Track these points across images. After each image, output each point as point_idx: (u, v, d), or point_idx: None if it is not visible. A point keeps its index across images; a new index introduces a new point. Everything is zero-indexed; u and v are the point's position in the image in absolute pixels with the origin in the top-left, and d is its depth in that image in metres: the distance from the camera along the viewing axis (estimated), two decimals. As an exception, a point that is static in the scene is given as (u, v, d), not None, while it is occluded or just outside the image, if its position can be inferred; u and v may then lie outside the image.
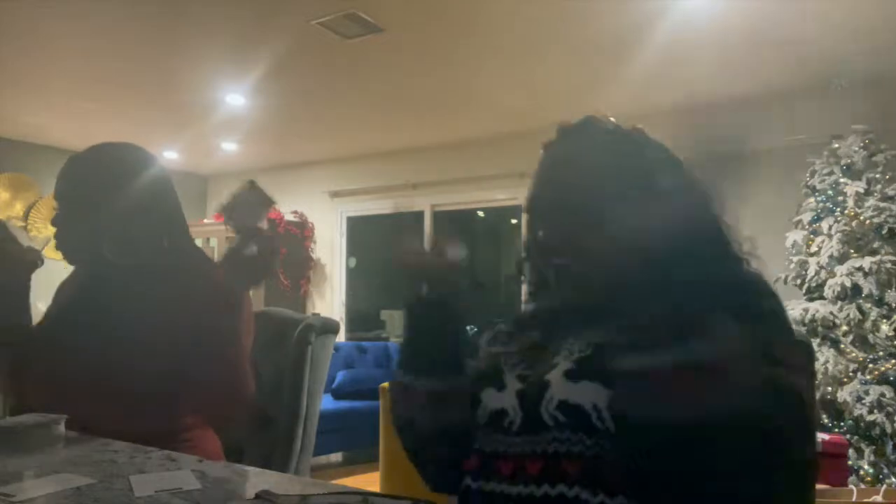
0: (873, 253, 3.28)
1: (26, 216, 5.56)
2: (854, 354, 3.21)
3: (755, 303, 0.77)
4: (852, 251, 3.34)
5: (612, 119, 0.95)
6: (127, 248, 1.28)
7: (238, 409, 1.26)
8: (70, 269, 1.41)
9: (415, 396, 0.91)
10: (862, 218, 3.31)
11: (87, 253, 1.29)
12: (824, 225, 3.42)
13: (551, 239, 0.90)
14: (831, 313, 3.27)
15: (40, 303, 1.43)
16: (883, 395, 3.08)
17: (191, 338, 1.20)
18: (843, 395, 3.15)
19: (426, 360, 0.92)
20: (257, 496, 0.66)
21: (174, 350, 1.20)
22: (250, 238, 1.14)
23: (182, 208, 1.39)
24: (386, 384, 2.59)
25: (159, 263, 1.30)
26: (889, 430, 3.06)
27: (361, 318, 6.35)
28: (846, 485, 2.65)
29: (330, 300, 6.11)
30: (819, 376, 3.19)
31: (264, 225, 1.16)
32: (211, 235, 5.96)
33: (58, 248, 1.30)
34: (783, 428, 0.67)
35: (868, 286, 3.21)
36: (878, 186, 3.35)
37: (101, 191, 1.27)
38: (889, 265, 3.21)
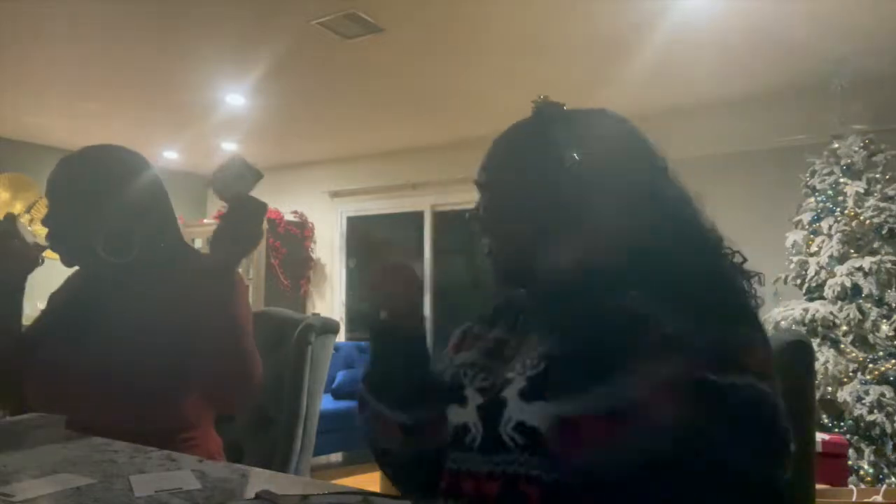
0: (873, 253, 3.28)
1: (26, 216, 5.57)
2: (854, 354, 3.20)
3: (724, 302, 0.72)
4: (852, 251, 3.35)
5: (563, 104, 0.91)
6: (124, 246, 1.28)
7: (247, 394, 1.22)
8: (63, 268, 1.42)
9: (388, 429, 0.88)
10: (862, 218, 3.31)
11: (84, 253, 1.29)
12: (824, 225, 3.42)
13: (499, 218, 0.88)
14: (831, 313, 3.27)
15: (40, 303, 1.43)
16: (883, 395, 3.08)
17: (194, 330, 1.19)
18: (843, 395, 3.15)
19: (395, 393, 0.87)
20: (257, 496, 0.66)
21: (178, 346, 1.20)
22: (239, 204, 1.12)
23: (173, 209, 1.40)
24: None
25: (157, 260, 1.31)
26: (889, 430, 3.06)
27: (361, 318, 6.35)
28: (846, 485, 2.65)
29: (330, 300, 6.11)
30: (819, 376, 3.19)
31: (249, 192, 1.13)
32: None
33: (53, 249, 1.30)
34: (748, 448, 0.63)
35: (868, 286, 3.21)
36: (878, 186, 3.35)
37: (98, 190, 1.27)
38: (889, 265, 3.21)
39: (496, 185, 0.90)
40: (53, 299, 1.40)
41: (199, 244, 6.02)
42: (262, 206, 1.13)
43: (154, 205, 1.34)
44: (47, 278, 1.53)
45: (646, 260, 0.74)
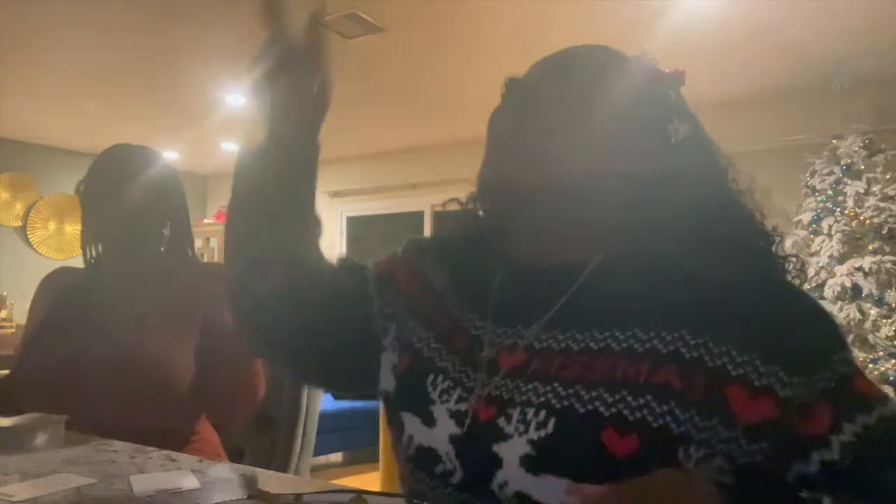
0: (873, 253, 3.28)
1: (26, 216, 5.56)
2: (854, 355, 3.21)
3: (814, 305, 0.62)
4: (852, 251, 3.35)
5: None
6: (149, 246, 1.34)
7: (247, 412, 1.32)
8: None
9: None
10: (862, 218, 3.31)
11: (122, 251, 1.33)
12: (824, 225, 3.42)
13: (521, 165, 0.68)
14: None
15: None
16: (883, 395, 3.08)
17: (208, 337, 1.25)
18: (843, 395, 3.15)
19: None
20: (251, 496, 0.66)
21: (195, 349, 1.25)
22: None
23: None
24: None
25: (177, 263, 1.36)
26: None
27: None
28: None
29: (330, 300, 6.11)
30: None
31: None
32: (211, 235, 5.97)
33: (93, 241, 1.36)
34: None
35: (868, 286, 3.21)
36: (878, 186, 3.35)
37: (151, 192, 1.31)
38: (889, 265, 3.21)
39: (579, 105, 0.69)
40: (46, 301, 1.38)
41: (198, 244, 6.03)
42: None
43: (185, 208, 1.41)
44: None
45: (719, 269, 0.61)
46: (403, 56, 3.60)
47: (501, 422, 0.61)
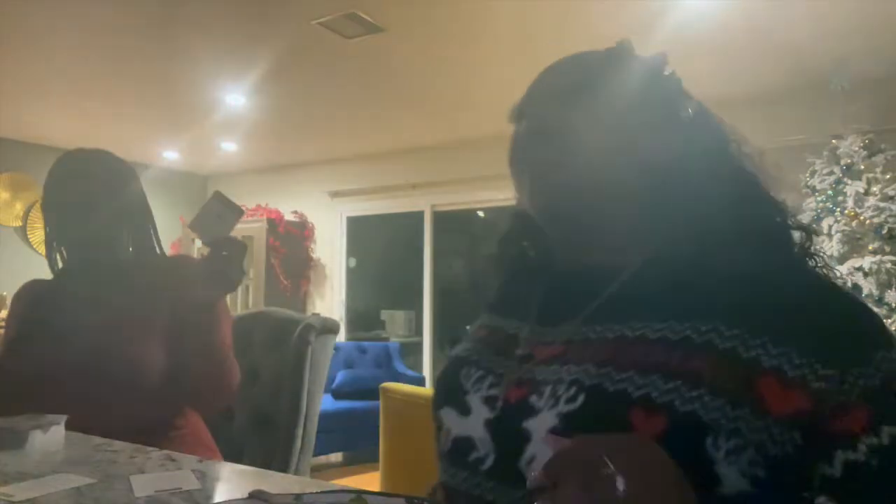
0: (873, 253, 3.28)
1: (26, 216, 5.56)
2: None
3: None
4: (852, 251, 3.35)
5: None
6: (115, 248, 1.36)
7: (225, 398, 1.31)
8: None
9: None
10: (862, 218, 3.31)
11: (89, 252, 1.34)
12: (824, 225, 3.42)
13: (556, 171, 0.70)
14: (831, 313, 3.27)
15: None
16: (883, 395, 3.08)
17: (176, 331, 1.26)
18: (843, 395, 3.15)
19: None
20: (250, 495, 0.66)
21: (165, 344, 1.26)
22: (220, 247, 1.15)
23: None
24: (386, 384, 2.60)
25: (143, 261, 1.38)
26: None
27: (361, 318, 6.35)
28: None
29: (330, 300, 6.11)
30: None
31: (229, 232, 1.16)
32: (211, 235, 5.96)
33: (57, 248, 1.36)
34: None
35: (868, 286, 3.21)
36: (878, 186, 3.35)
37: (112, 192, 1.33)
38: (889, 265, 3.21)
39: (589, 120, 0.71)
40: (19, 314, 1.39)
41: (198, 244, 6.03)
42: (242, 247, 1.17)
43: (144, 207, 1.42)
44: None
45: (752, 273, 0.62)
46: (403, 56, 3.60)
47: (533, 399, 0.63)
